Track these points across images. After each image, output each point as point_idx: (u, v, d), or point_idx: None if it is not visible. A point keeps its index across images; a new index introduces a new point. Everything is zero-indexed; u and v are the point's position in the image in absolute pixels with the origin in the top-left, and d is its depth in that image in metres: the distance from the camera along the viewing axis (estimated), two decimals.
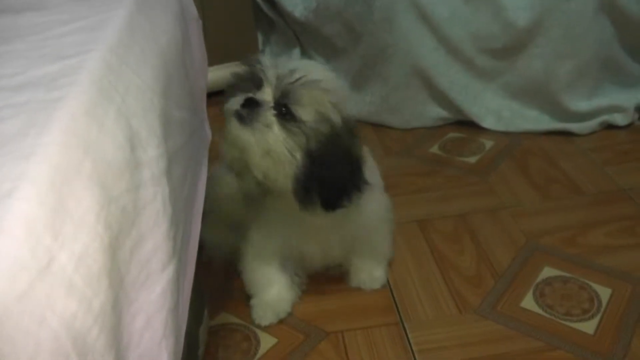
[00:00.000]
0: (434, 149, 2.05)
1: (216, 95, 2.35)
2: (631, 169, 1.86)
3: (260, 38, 2.56)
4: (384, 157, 2.01)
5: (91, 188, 0.62)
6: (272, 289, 1.41)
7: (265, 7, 2.48)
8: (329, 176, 1.16)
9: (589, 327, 1.31)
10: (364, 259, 1.46)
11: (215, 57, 2.40)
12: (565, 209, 1.71)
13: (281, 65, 1.17)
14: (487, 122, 2.12)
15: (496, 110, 2.12)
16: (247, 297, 1.44)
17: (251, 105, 1.15)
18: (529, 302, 1.38)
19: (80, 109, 0.68)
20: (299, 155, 1.14)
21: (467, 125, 2.15)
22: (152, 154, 0.77)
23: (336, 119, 1.17)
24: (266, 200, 1.27)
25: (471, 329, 1.33)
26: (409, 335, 1.32)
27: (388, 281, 1.48)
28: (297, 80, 1.14)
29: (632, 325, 1.30)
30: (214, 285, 1.50)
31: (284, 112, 1.14)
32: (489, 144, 2.05)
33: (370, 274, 1.46)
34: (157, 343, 0.71)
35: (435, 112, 2.17)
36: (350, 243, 1.41)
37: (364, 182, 1.22)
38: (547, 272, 1.47)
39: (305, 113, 1.14)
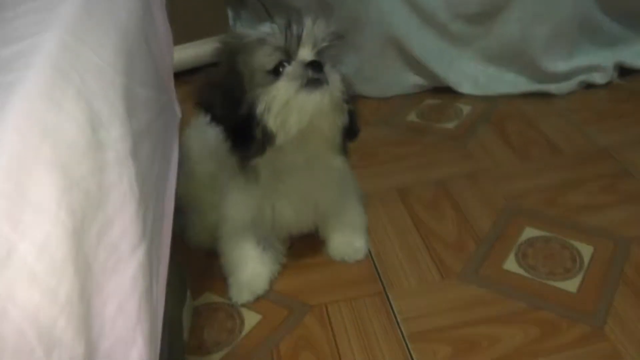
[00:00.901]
0: (412, 117, 2.04)
1: (185, 75, 2.33)
2: (610, 127, 1.86)
3: (230, 14, 2.53)
4: (362, 127, 1.99)
5: (51, 173, 0.60)
6: (247, 267, 1.40)
7: None
8: (355, 115, 1.27)
9: (571, 285, 1.31)
10: (342, 232, 1.46)
11: (184, 35, 2.38)
12: (545, 170, 1.71)
13: (304, 26, 1.17)
14: (464, 88, 2.11)
15: (473, 75, 2.11)
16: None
17: (317, 67, 1.14)
18: (511, 264, 1.39)
19: (36, 92, 0.66)
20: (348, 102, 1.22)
21: (443, 91, 2.13)
22: (115, 134, 0.75)
23: None
24: (259, 169, 1.26)
25: (454, 295, 1.33)
26: (393, 305, 1.32)
27: (370, 251, 1.47)
28: (330, 38, 1.18)
29: (614, 282, 1.31)
30: (196, 266, 1.49)
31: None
32: (466, 109, 2.04)
33: (351, 245, 1.46)
34: (131, 329, 0.69)
35: (411, 80, 2.15)
36: (324, 210, 1.40)
37: None
38: (529, 233, 1.47)
39: (339, 65, 1.21)
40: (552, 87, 2.05)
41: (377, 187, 1.68)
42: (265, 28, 1.18)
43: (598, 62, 2.06)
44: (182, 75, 2.35)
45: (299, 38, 1.15)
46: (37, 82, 0.67)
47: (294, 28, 1.15)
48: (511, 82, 2.09)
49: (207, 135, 1.31)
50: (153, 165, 0.92)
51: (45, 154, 0.61)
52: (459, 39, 2.08)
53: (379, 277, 1.40)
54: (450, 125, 1.97)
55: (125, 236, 0.71)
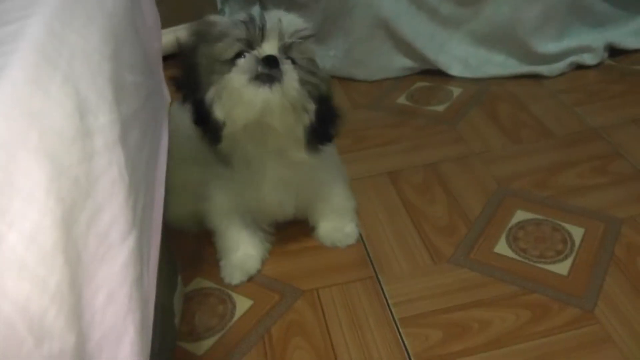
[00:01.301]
0: (402, 100, 2.03)
1: (173, 58, 2.31)
2: (601, 108, 1.85)
3: None
4: (352, 110, 1.99)
5: (39, 161, 0.59)
6: (239, 249, 1.40)
7: None
8: (330, 113, 1.23)
9: (562, 268, 1.31)
10: (331, 217, 1.46)
11: (173, 18, 2.36)
12: (536, 152, 1.71)
13: (271, 19, 1.15)
14: (454, 70, 2.10)
15: (463, 57, 2.10)
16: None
17: (272, 63, 1.12)
18: (502, 248, 1.39)
19: (22, 77, 0.64)
20: (311, 101, 1.19)
21: (433, 74, 2.13)
22: (103, 120, 0.73)
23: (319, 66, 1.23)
24: (230, 155, 1.27)
25: (446, 279, 1.33)
26: (384, 289, 1.32)
27: (361, 235, 1.47)
28: (299, 34, 1.17)
29: (605, 264, 1.31)
30: (186, 251, 1.48)
31: (293, 64, 1.16)
32: (457, 91, 2.04)
33: (341, 230, 1.46)
34: (122, 318, 0.69)
35: (401, 63, 2.14)
36: (307, 197, 1.40)
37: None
38: (520, 215, 1.47)
39: (309, 63, 1.19)
40: (542, 69, 2.05)
41: (367, 171, 1.68)
42: (238, 17, 1.17)
43: (588, 42, 2.05)
44: (171, 58, 2.34)
45: (262, 31, 1.14)
46: (23, 67, 0.66)
47: (259, 20, 1.15)
48: (501, 64, 2.08)
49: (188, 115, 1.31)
50: (142, 152, 0.90)
51: (33, 142, 0.60)
52: (448, 21, 2.07)
53: (370, 261, 1.40)
54: (441, 108, 1.96)
55: (115, 224, 0.70)
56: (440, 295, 1.29)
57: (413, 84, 2.11)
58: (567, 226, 1.42)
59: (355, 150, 1.76)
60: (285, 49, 1.15)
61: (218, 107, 1.16)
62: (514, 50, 2.06)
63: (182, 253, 1.45)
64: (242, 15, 1.16)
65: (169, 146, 1.38)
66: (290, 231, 1.48)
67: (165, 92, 1.30)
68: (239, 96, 1.13)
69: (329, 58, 2.15)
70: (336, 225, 1.47)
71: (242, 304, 1.34)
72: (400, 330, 1.22)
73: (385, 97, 2.06)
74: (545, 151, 1.71)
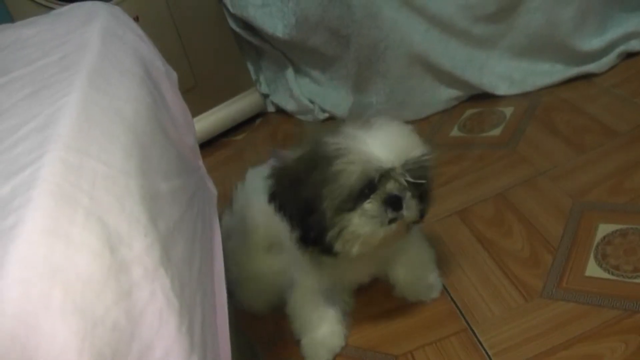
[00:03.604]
0: (454, 132, 1.99)
1: (221, 137, 2.31)
2: None
3: (251, 68, 2.52)
4: None
5: (65, 320, 0.56)
6: (322, 326, 1.36)
7: (247, 36, 2.43)
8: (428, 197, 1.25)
9: None
10: (411, 271, 1.41)
11: (211, 99, 2.39)
12: (604, 156, 1.63)
13: (388, 151, 1.13)
14: (501, 89, 2.05)
15: (506, 74, 2.05)
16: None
17: (396, 204, 1.14)
18: (593, 269, 1.31)
19: (37, 231, 0.60)
20: (421, 202, 1.20)
21: (481, 98, 2.08)
22: (139, 247, 0.68)
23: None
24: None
25: (542, 316, 1.26)
26: (481, 339, 1.26)
27: (444, 285, 1.42)
28: (415, 161, 1.15)
29: None
30: (263, 335, 1.45)
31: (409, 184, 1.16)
32: (508, 111, 1.98)
33: (424, 283, 1.41)
34: None
35: (445, 94, 2.10)
36: (385, 256, 1.36)
37: None
38: (603, 229, 1.40)
39: (423, 173, 1.17)
40: (591, 67, 1.98)
41: (434, 215, 1.63)
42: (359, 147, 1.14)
43: (633, 28, 1.98)
44: (220, 137, 2.35)
45: (385, 171, 1.13)
46: (38, 219, 0.62)
47: (383, 163, 1.13)
48: (548, 72, 2.02)
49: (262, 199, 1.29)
50: (192, 263, 0.85)
51: (56, 300, 0.57)
52: (484, 41, 2.03)
53: (460, 311, 1.34)
54: (496, 132, 1.91)
55: (170, 357, 0.66)
56: (541, 336, 1.21)
57: (462, 113, 2.06)
58: None
59: None
60: (406, 172, 1.15)
61: (340, 244, 1.16)
62: (558, 55, 2.00)
63: (259, 337, 1.42)
64: (365, 157, 1.12)
65: (237, 234, 1.36)
66: (367, 294, 1.44)
67: (211, 186, 1.26)
68: (364, 237, 1.14)
69: (372, 106, 2.12)
70: (418, 279, 1.42)
71: None
72: None
73: (436, 133, 2.01)
74: (613, 153, 1.63)
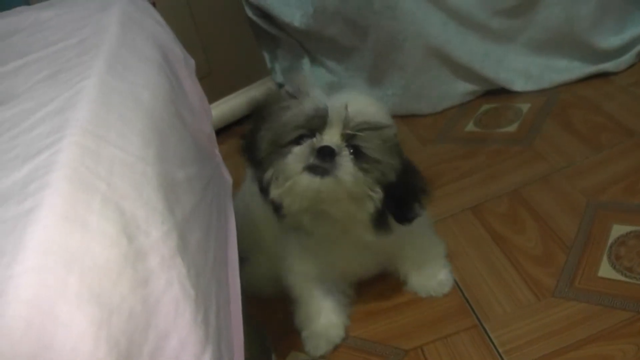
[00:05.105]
0: (470, 127, 1.97)
1: (234, 125, 2.31)
2: None
3: (266, 56, 2.51)
4: (420, 147, 1.94)
5: (81, 308, 0.55)
6: (320, 317, 1.36)
7: (264, 24, 2.42)
8: (405, 196, 1.19)
9: None
10: (422, 266, 1.40)
11: (226, 87, 2.38)
12: (620, 156, 1.62)
13: (336, 102, 1.13)
14: (518, 85, 2.04)
15: (524, 69, 2.03)
16: None
17: (326, 154, 1.11)
18: (606, 270, 1.30)
19: (55, 217, 0.59)
20: (377, 189, 1.14)
21: (498, 93, 2.06)
22: (156, 235, 0.68)
23: (399, 148, 1.18)
24: (308, 231, 1.24)
25: (554, 315, 1.25)
26: (491, 336, 1.25)
27: (455, 281, 1.41)
28: (368, 124, 1.13)
29: None
30: (273, 323, 1.45)
31: (357, 152, 1.13)
32: (525, 107, 1.96)
33: (435, 279, 1.40)
34: None
35: (462, 88, 2.09)
36: (391, 251, 1.36)
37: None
38: (617, 230, 1.39)
39: (377, 152, 1.14)
40: (608, 65, 1.96)
41: (448, 210, 1.62)
42: (307, 104, 1.15)
43: None
44: (233, 126, 2.35)
45: (325, 118, 1.12)
46: (55, 205, 0.61)
47: (324, 106, 1.12)
48: (565, 69, 2.01)
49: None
50: (207, 252, 0.84)
51: (72, 288, 0.56)
52: (502, 35, 2.01)
53: (471, 307, 1.33)
54: (512, 128, 1.89)
55: (185, 348, 0.66)
56: (552, 335, 1.21)
57: (479, 108, 2.05)
58: None
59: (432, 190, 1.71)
60: (349, 137, 1.12)
61: (274, 188, 1.15)
62: (576, 52, 1.99)
63: (271, 325, 1.42)
64: (309, 101, 1.14)
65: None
66: (378, 288, 1.44)
67: (226, 174, 1.26)
68: (291, 183, 1.12)
69: (388, 97, 2.11)
70: (429, 274, 1.41)
71: None
72: None
73: (452, 127, 2.00)
74: (630, 152, 1.62)
